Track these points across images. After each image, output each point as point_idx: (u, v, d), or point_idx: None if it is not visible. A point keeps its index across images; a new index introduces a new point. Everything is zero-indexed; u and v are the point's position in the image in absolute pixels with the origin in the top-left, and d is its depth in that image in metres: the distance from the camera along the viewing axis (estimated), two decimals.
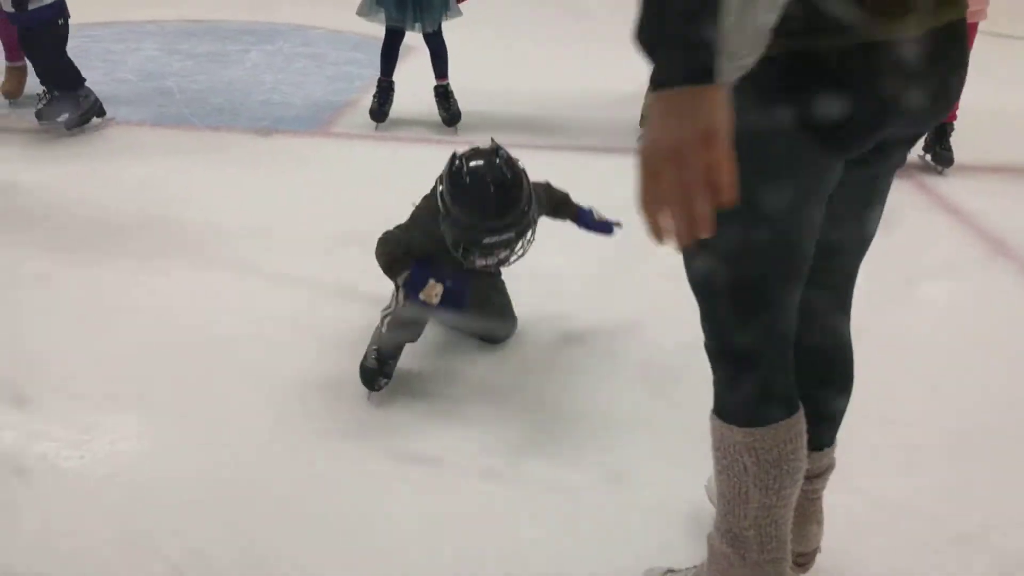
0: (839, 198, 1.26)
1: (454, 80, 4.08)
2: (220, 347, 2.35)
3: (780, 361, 1.31)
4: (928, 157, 3.75)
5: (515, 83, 4.58)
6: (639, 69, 1.01)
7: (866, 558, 1.70)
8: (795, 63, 1.05)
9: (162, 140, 3.95)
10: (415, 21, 3.87)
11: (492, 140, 2.17)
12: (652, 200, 0.94)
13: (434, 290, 2.02)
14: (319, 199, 3.28)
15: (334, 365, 2.26)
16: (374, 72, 4.12)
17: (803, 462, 1.34)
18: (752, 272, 1.22)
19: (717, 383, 1.34)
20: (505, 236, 2.07)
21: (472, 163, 2.09)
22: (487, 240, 2.07)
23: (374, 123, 4.10)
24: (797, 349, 1.41)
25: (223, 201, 3.25)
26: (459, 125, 4.09)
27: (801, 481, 1.37)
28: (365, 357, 2.15)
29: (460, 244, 2.10)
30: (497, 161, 2.09)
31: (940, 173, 3.68)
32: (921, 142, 3.73)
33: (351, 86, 4.74)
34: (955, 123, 3.69)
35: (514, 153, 2.14)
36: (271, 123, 4.16)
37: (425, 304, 2.03)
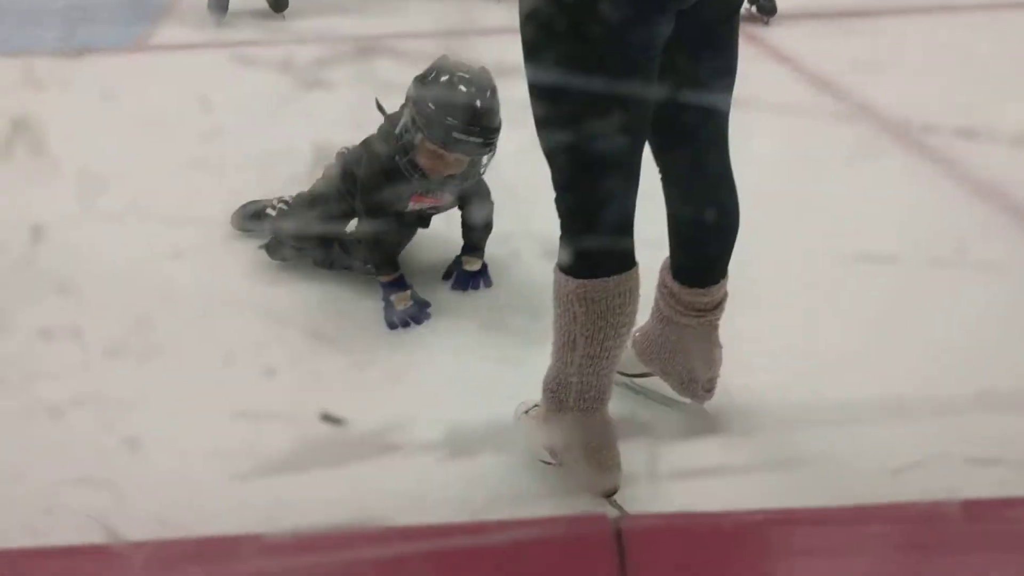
0: (683, 50, 1.35)
1: None
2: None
3: (616, 219, 1.42)
4: (753, 8, 3.89)
5: None
6: None
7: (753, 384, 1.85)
8: None
9: None
10: None
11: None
12: None
13: (404, 300, 2.12)
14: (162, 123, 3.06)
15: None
16: None
17: (630, 318, 1.47)
18: (586, 130, 1.31)
19: (561, 237, 1.45)
20: (476, 141, 1.96)
21: (456, 69, 1.98)
22: (459, 137, 1.95)
23: (214, 18, 3.91)
24: (684, 195, 1.56)
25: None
26: (288, 12, 3.91)
27: (627, 337, 1.50)
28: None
29: (415, 146, 2.01)
30: (483, 73, 1.99)
31: (766, 23, 3.85)
32: None
33: None
34: None
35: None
36: (80, 43, 3.81)
37: (392, 304, 2.11)
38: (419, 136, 1.99)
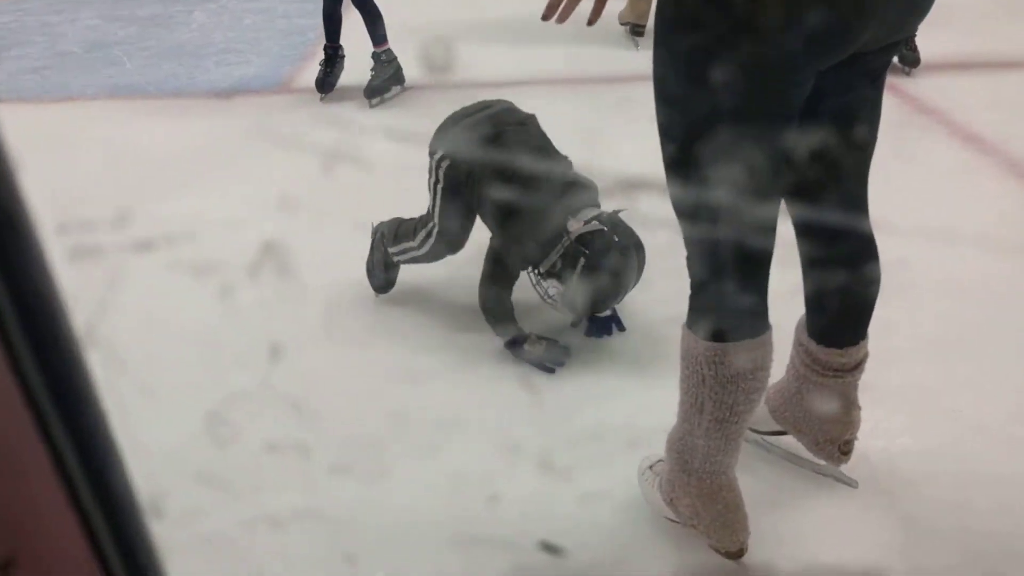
0: (829, 108, 1.31)
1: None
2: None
3: (750, 281, 1.35)
4: (895, 59, 3.78)
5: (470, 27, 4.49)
6: None
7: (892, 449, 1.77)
8: None
9: (118, 113, 3.84)
10: None
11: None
12: None
13: (536, 344, 2.13)
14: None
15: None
16: None
17: (762, 383, 1.39)
18: (722, 187, 1.26)
19: (691, 297, 1.40)
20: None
21: (613, 247, 2.00)
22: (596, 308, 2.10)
23: (319, 94, 3.78)
24: (822, 258, 1.49)
25: (197, 166, 3.17)
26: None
27: (758, 402, 1.42)
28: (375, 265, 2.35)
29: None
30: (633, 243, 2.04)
31: (908, 74, 3.72)
32: None
33: (305, 39, 4.62)
34: None
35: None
36: (231, 84, 4.06)
37: (529, 353, 2.12)
38: (556, 287, 2.07)
